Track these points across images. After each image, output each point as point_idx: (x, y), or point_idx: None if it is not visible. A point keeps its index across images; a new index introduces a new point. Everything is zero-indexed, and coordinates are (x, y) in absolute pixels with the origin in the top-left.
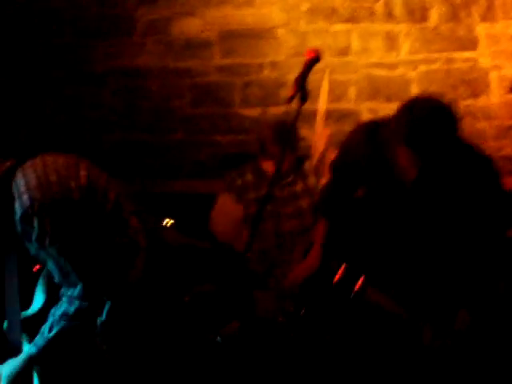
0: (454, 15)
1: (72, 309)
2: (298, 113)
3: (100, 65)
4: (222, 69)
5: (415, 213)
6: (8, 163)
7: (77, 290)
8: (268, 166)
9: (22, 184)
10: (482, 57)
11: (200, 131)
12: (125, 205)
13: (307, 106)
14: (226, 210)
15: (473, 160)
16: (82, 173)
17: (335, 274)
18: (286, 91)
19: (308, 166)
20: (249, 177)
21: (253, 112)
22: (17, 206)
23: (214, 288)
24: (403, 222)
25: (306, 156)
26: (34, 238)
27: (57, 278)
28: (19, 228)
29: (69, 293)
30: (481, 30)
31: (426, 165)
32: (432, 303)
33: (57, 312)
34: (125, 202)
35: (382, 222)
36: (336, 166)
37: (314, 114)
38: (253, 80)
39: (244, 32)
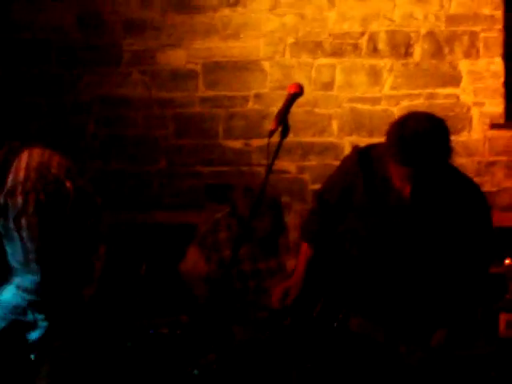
0: (437, 51)
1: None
2: (279, 147)
3: (85, 93)
4: (206, 100)
5: (407, 229)
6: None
7: (32, 282)
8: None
9: (24, 161)
10: (465, 93)
11: (183, 162)
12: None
13: (289, 139)
14: (194, 266)
15: (465, 183)
16: (79, 181)
17: (315, 306)
18: (270, 123)
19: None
20: (222, 234)
21: (236, 144)
22: (10, 178)
23: (189, 320)
24: (395, 238)
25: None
26: (11, 215)
27: (16, 262)
28: (1, 200)
29: (22, 282)
30: (463, 66)
31: (419, 182)
32: (411, 322)
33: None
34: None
35: (371, 238)
36: (325, 190)
37: (296, 146)
38: (237, 112)
39: (229, 64)
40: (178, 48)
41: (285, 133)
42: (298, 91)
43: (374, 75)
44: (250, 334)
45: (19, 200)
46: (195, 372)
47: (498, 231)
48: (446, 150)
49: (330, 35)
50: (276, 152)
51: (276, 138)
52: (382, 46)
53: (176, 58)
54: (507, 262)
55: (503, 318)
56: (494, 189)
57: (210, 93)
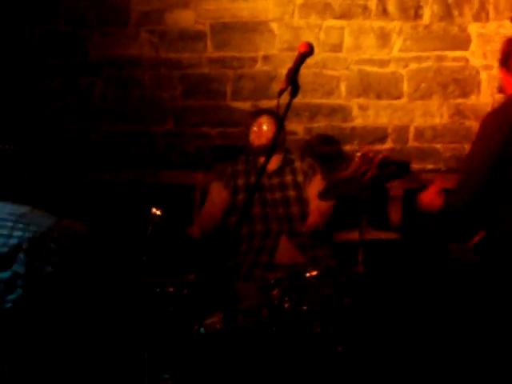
0: (446, 14)
1: None
2: (288, 107)
3: (94, 54)
4: (215, 61)
5: None
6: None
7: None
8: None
9: None
10: (474, 56)
11: (190, 123)
12: None
13: (297, 100)
14: (215, 196)
15: None
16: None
17: None
18: (278, 85)
19: (298, 164)
20: (240, 166)
21: (244, 105)
22: None
23: (197, 278)
24: None
25: (297, 153)
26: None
27: None
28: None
29: None
30: (473, 29)
31: None
32: None
33: None
34: None
35: None
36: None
37: (304, 108)
38: (245, 73)
39: (237, 25)
40: (186, 8)
41: (294, 92)
42: (308, 50)
43: (383, 37)
44: (255, 294)
45: None
46: (201, 330)
47: None
48: None
49: None
50: (286, 111)
51: (284, 100)
52: (391, 8)
53: (184, 18)
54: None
55: None
56: None
57: (218, 54)
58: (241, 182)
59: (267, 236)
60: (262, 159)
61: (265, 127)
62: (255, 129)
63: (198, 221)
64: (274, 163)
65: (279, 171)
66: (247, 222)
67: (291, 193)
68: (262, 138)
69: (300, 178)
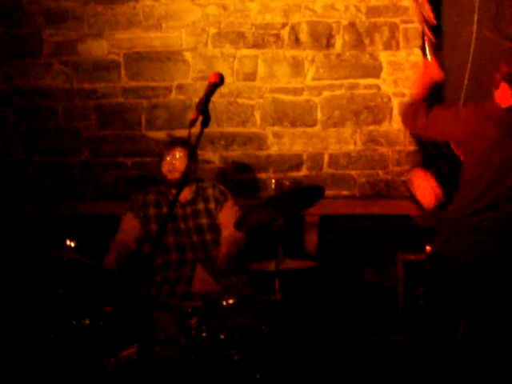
0: (358, 43)
1: None
2: (200, 137)
3: (5, 85)
4: (129, 91)
5: None
6: None
7: None
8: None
9: None
10: (385, 84)
11: (106, 153)
12: None
13: (212, 129)
14: (126, 226)
15: None
16: None
17: None
18: (192, 114)
19: (210, 191)
20: (151, 196)
21: (159, 134)
22: None
23: (113, 310)
24: None
25: (209, 182)
26: None
27: None
28: None
29: None
30: (384, 57)
31: None
32: None
33: None
34: None
35: None
36: None
37: (219, 137)
38: (159, 102)
39: (151, 55)
40: (99, 38)
41: (206, 122)
42: (218, 81)
43: (296, 66)
44: (172, 324)
45: None
46: (118, 362)
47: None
48: None
49: (252, 26)
50: (197, 141)
51: (198, 129)
52: (303, 36)
53: (98, 48)
54: (428, 248)
55: None
56: None
57: (133, 83)
58: (152, 212)
59: (183, 265)
60: (174, 191)
61: (178, 160)
62: (168, 161)
63: (113, 248)
64: (187, 193)
65: (192, 201)
66: (162, 253)
67: (204, 220)
68: (174, 172)
69: (212, 205)
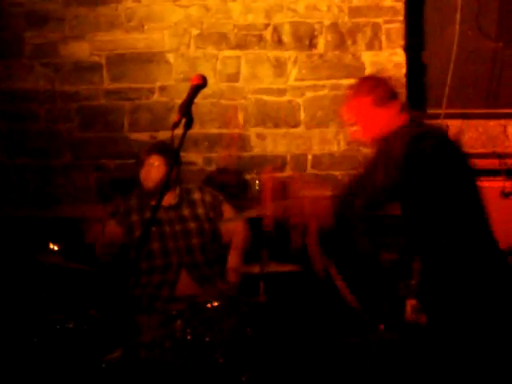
0: (340, 43)
1: None
2: (183, 138)
3: None
4: (111, 93)
5: None
6: None
7: None
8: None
9: None
10: None
11: (88, 155)
12: None
13: (195, 130)
14: (109, 233)
15: None
16: None
17: None
18: (175, 116)
19: (197, 196)
20: (133, 201)
21: (141, 136)
22: None
23: (98, 313)
24: None
25: (194, 184)
26: None
27: None
28: None
29: None
30: (366, 57)
31: None
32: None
33: None
34: None
35: None
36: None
37: (202, 138)
38: (142, 104)
39: (133, 56)
40: (81, 40)
41: (188, 124)
42: (201, 82)
43: (279, 67)
44: (157, 327)
45: None
46: (103, 366)
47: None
48: None
49: (234, 27)
50: (180, 143)
51: (181, 130)
52: (286, 37)
53: (79, 50)
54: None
55: (409, 303)
56: None
57: (115, 85)
58: (135, 218)
59: (167, 270)
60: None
61: (154, 169)
62: (145, 170)
63: (97, 247)
64: (171, 198)
65: (176, 206)
66: (146, 258)
67: (191, 225)
68: (149, 181)
69: (200, 211)
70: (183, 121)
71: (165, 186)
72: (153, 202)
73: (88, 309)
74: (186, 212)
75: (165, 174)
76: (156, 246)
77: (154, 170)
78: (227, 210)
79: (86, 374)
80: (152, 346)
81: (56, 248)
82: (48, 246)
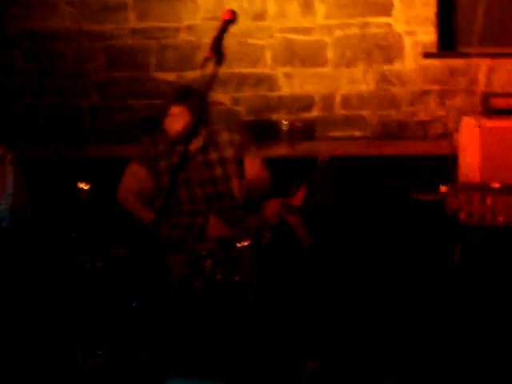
0: None
1: None
2: (213, 76)
3: (11, 26)
4: (137, 32)
5: None
6: None
7: None
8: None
9: None
10: (397, 22)
11: (115, 95)
12: None
13: (223, 70)
14: (137, 178)
15: None
16: None
17: None
18: (202, 55)
19: (224, 137)
20: (160, 147)
21: (168, 76)
22: None
23: (128, 252)
24: None
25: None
26: None
27: None
28: None
29: None
30: None
31: None
32: None
33: None
34: None
35: None
36: None
37: (230, 78)
38: (169, 44)
39: None
40: None
41: (219, 61)
42: (232, 18)
43: (306, 5)
44: (186, 266)
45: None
46: (134, 304)
47: (431, 159)
48: None
49: None
50: (211, 81)
51: (209, 70)
52: None
53: None
54: (443, 188)
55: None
56: (428, 118)
57: (141, 24)
58: (163, 164)
59: (196, 215)
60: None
61: (175, 119)
62: (168, 119)
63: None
64: (198, 141)
65: (203, 149)
66: (174, 204)
67: (218, 171)
68: (173, 131)
69: (228, 153)
70: (214, 57)
71: (188, 137)
72: (179, 148)
73: (118, 248)
74: (213, 156)
75: (189, 122)
76: (183, 193)
77: (176, 120)
78: (253, 151)
79: (118, 314)
80: (182, 285)
81: (85, 187)
82: (76, 185)
